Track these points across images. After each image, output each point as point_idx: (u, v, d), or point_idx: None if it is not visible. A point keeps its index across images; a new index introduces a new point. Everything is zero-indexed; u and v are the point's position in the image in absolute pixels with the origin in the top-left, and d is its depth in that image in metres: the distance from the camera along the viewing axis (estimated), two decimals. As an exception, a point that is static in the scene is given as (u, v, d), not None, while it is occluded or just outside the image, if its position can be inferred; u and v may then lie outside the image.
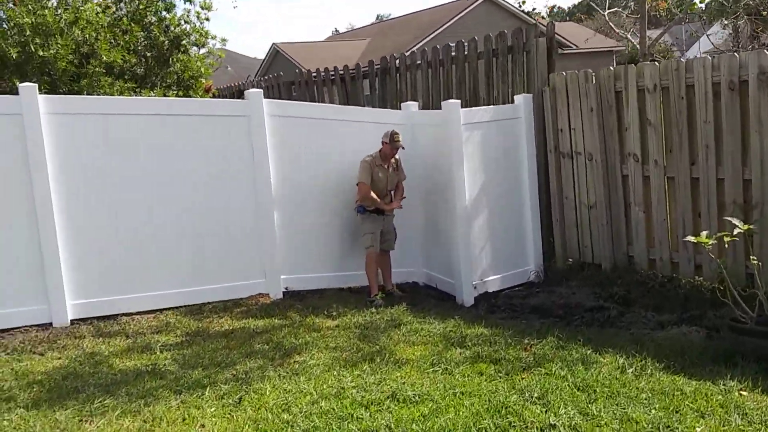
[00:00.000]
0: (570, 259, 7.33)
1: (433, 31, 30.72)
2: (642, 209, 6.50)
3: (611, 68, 6.56)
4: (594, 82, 6.70)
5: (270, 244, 6.63)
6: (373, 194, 6.64)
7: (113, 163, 5.97)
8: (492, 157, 7.00)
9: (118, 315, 5.95)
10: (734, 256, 5.78)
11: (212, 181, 6.39)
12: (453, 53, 8.61)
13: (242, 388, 4.04)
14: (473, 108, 7.44)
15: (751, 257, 4.66)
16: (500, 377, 4.04)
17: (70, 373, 4.50)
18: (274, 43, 37.92)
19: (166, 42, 7.18)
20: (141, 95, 6.67)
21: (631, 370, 4.16)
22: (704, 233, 4.65)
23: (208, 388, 4.07)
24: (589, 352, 4.60)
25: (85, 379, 4.37)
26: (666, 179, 6.31)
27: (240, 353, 4.85)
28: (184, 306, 6.23)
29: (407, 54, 9.37)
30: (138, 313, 6.04)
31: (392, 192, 6.92)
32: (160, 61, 7.29)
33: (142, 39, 6.98)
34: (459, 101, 6.79)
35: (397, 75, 9.57)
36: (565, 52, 29.48)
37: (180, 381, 4.25)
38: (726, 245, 4.78)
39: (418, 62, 9.16)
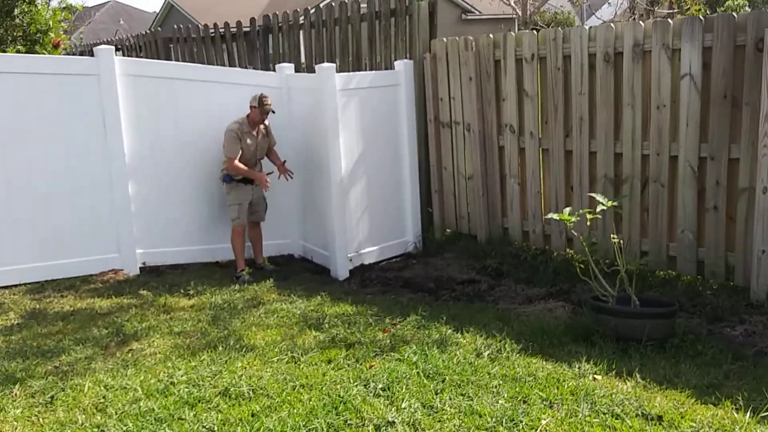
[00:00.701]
0: (448, 230, 7.18)
1: None
2: (517, 181, 6.39)
3: (491, 36, 6.34)
4: (474, 49, 6.46)
5: (124, 216, 6.09)
6: (243, 166, 6.18)
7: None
8: (371, 126, 6.68)
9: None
10: (603, 231, 5.76)
11: (59, 146, 5.76)
12: (336, 15, 8.16)
13: (59, 383, 3.59)
14: (350, 73, 7.08)
15: (612, 235, 4.58)
16: (348, 365, 3.78)
17: None
18: (168, -3, 35.99)
19: None
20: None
21: (487, 352, 4.00)
22: (567, 210, 4.52)
23: (18, 384, 3.59)
24: (449, 332, 4.42)
25: None
26: (541, 151, 6.20)
27: (72, 340, 4.37)
28: (28, 284, 5.63)
29: (290, 12, 8.84)
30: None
31: (261, 161, 6.48)
32: (2, 13, 6.44)
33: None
34: (333, 65, 6.39)
35: (280, 35, 9.04)
36: (470, 18, 29.53)
37: (-9, 378, 3.74)
38: (588, 222, 4.68)
39: (301, 22, 8.67)
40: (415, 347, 4.03)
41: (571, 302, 5.29)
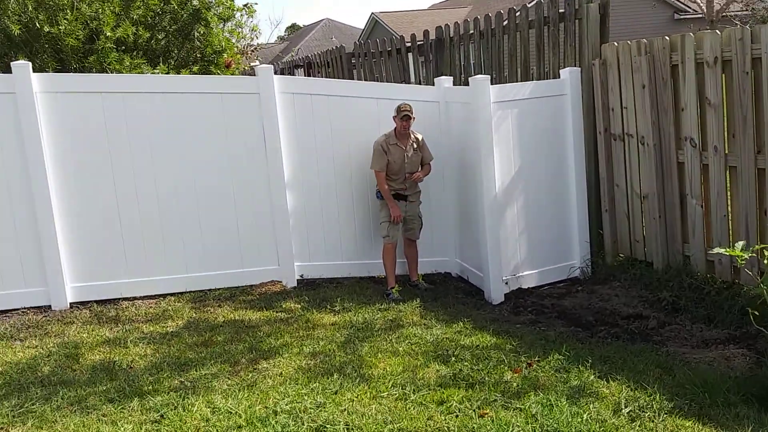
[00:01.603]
0: (621, 255, 6.48)
1: (537, -4, 29.13)
2: (699, 202, 5.57)
3: (666, 38, 5.61)
4: (647, 53, 5.77)
5: (283, 229, 6.25)
6: (385, 186, 6.09)
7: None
8: (531, 139, 6.24)
9: (119, 299, 5.79)
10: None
11: (224, 163, 6.06)
12: (505, 22, 7.79)
13: (175, 400, 3.70)
14: (507, 84, 6.68)
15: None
16: (460, 410, 3.45)
17: (29, 367, 4.33)
18: (372, 13, 37.54)
19: (185, 15, 6.84)
20: (154, 72, 6.41)
21: (628, 409, 3.45)
22: (739, 244, 3.78)
23: (140, 398, 3.75)
24: (592, 378, 3.91)
25: (38, 376, 4.17)
26: (727, 168, 5.35)
27: (211, 352, 4.53)
28: (191, 292, 5.99)
29: (461, 23, 8.62)
30: (143, 298, 5.87)
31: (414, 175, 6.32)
32: (181, 36, 6.99)
33: (159, 12, 6.68)
34: (488, 77, 6.04)
35: (451, 46, 8.86)
36: (684, 17, 27.12)
37: (124, 386, 3.96)
38: (765, 257, 3.89)
39: (471, 32, 8.40)
40: (542, 395, 3.60)
41: (756, 350, 4.49)
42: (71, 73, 6.33)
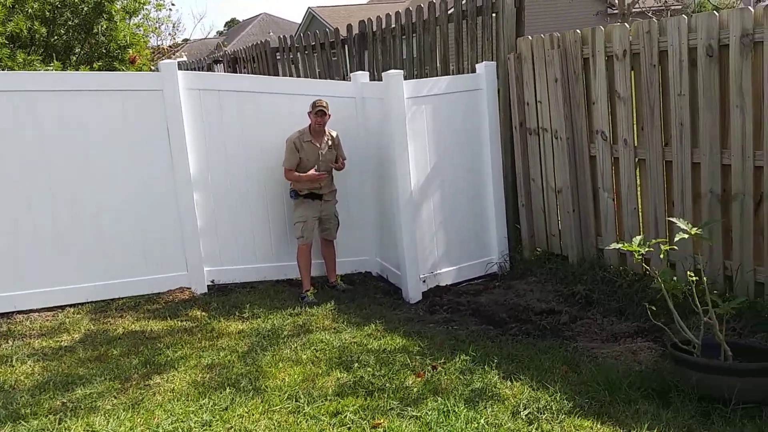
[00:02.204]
0: (538, 249, 6.45)
1: None
2: (611, 195, 5.57)
3: (578, 31, 5.57)
4: (560, 47, 5.72)
5: (191, 233, 5.98)
6: (296, 173, 5.88)
7: None
8: (447, 135, 6.13)
9: (14, 313, 5.42)
10: (710, 257, 4.84)
11: (125, 164, 5.75)
12: (425, 16, 7.67)
13: (52, 425, 3.43)
14: (421, 80, 6.59)
15: (689, 272, 3.73)
16: (353, 422, 3.30)
17: None
18: (309, 7, 37.16)
19: (86, 8, 6.46)
20: (48, 68, 6.03)
21: (527, 411, 3.36)
22: (636, 239, 3.74)
23: (13, 423, 3.47)
24: (496, 379, 3.81)
25: None
26: (637, 162, 5.35)
27: (103, 368, 4.25)
28: (93, 302, 5.67)
29: (383, 17, 8.46)
30: (40, 310, 5.52)
31: (328, 174, 6.13)
32: (83, 31, 6.60)
33: (58, 5, 6.29)
34: (401, 72, 5.90)
35: (374, 41, 8.69)
36: (616, 12, 27.59)
37: None
38: (661, 251, 3.85)
39: (393, 26, 8.26)
40: (442, 400, 3.48)
41: (662, 343, 4.46)
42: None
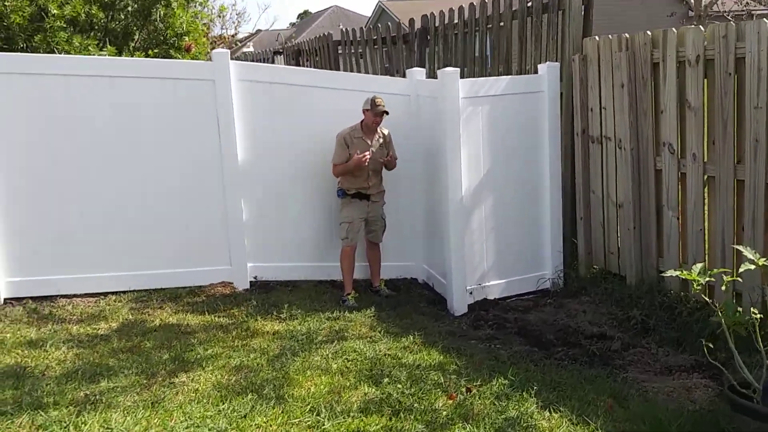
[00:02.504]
0: (595, 267, 6.09)
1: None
2: (676, 214, 5.17)
3: (648, 33, 5.19)
4: (628, 49, 5.35)
5: (236, 227, 5.91)
6: (342, 165, 5.71)
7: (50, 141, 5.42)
8: (503, 139, 5.85)
9: (57, 297, 5.47)
10: (781, 287, 4.43)
11: (174, 155, 5.71)
12: (489, 12, 7.37)
13: (69, 417, 3.37)
14: (479, 79, 6.30)
15: (752, 309, 3.36)
16: (371, 446, 3.10)
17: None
18: (379, 0, 37.04)
19: None
20: (101, 53, 6.05)
21: (559, 449, 3.08)
22: (697, 267, 3.40)
23: (33, 412, 3.43)
24: (533, 408, 3.55)
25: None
26: (706, 179, 4.94)
27: (133, 361, 4.20)
28: (136, 291, 5.66)
29: (446, 12, 8.19)
30: (83, 296, 5.55)
31: (378, 173, 5.94)
32: (141, 17, 6.60)
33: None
34: (457, 70, 5.64)
35: (434, 37, 8.45)
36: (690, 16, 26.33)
37: (25, 396, 3.64)
38: (723, 282, 3.50)
39: (456, 21, 7.99)
40: (470, 427, 3.24)
41: (720, 382, 4.09)
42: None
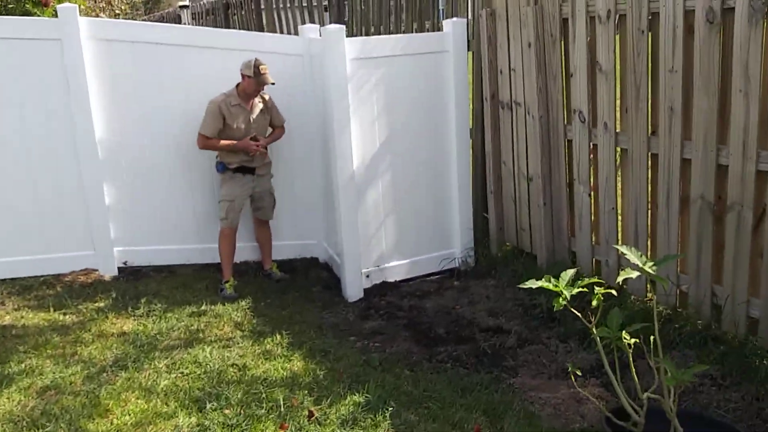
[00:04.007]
0: (507, 244, 5.50)
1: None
2: (588, 190, 4.57)
3: (557, -17, 4.50)
4: (536, 3, 4.66)
5: (98, 207, 5.18)
6: (217, 141, 5.00)
7: None
8: (403, 105, 5.15)
9: None
10: (696, 279, 3.87)
11: (16, 126, 4.94)
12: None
13: None
14: (372, 37, 5.57)
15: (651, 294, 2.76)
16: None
17: None
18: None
19: None
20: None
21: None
22: (566, 275, 2.79)
23: None
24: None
25: None
26: (619, 151, 4.33)
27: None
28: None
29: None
30: None
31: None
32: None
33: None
34: (342, 27, 4.89)
35: (352, -11, 7.66)
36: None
37: None
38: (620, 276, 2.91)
39: (371, -28, 7.20)
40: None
41: (613, 392, 3.52)
42: None
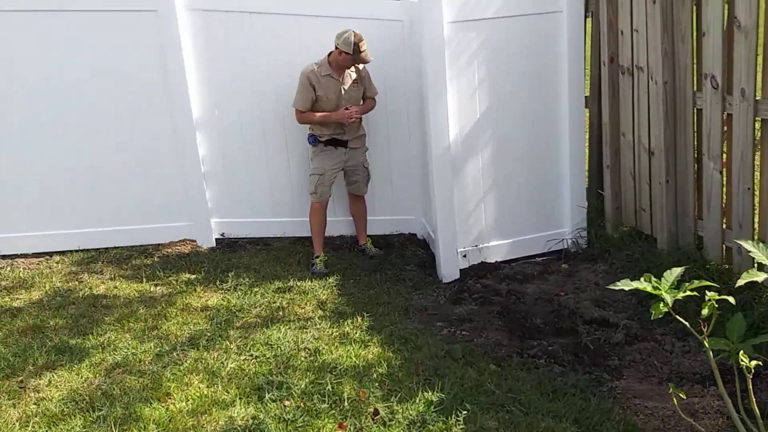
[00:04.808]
0: (625, 226, 4.94)
1: None
2: (719, 167, 3.94)
3: (689, -76, 3.84)
4: (663, -51, 4.03)
5: (195, 178, 5.17)
6: (313, 114, 4.80)
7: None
8: (508, 71, 4.69)
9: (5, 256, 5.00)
10: None
11: (116, 98, 4.99)
12: None
13: None
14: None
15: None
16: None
17: None
18: None
19: None
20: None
21: None
22: (671, 274, 2.30)
23: None
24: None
25: None
26: (761, 123, 3.67)
27: (17, 349, 3.60)
28: (85, 250, 5.11)
29: None
30: (28, 255, 5.03)
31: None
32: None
33: None
34: (443, -16, 4.47)
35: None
36: None
37: None
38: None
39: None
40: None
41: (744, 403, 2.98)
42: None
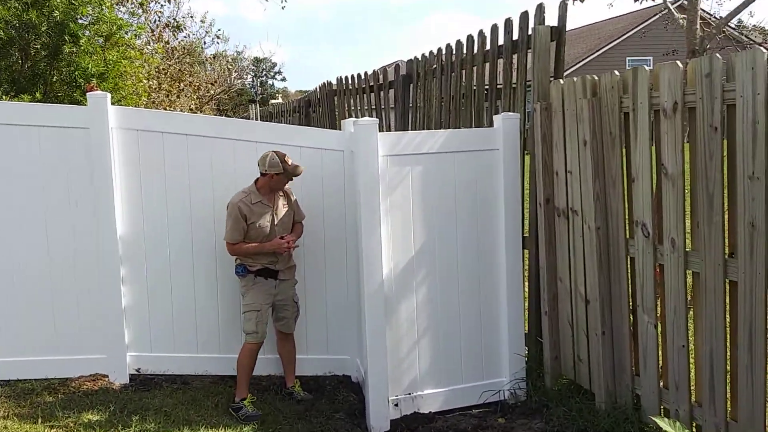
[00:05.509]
0: (564, 377, 4.64)
1: (611, 42, 27.37)
2: (653, 320, 3.73)
3: (616, 73, 3.85)
4: (593, 95, 4.02)
5: (113, 310, 4.84)
6: (247, 245, 4.57)
7: None
8: (444, 207, 4.57)
9: None
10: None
11: (38, 219, 4.77)
12: (464, 54, 6.15)
13: None
14: (408, 132, 5.07)
15: None
16: None
17: None
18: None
19: (45, 27, 5.43)
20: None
21: None
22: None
23: None
24: None
25: None
26: (691, 274, 3.50)
27: None
28: (7, 381, 4.70)
29: (428, 56, 7.03)
30: None
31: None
32: (49, 57, 5.70)
33: (16, 24, 5.39)
34: (375, 120, 4.41)
35: (417, 84, 7.30)
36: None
37: None
38: None
39: (434, 66, 6.81)
40: None
41: None
42: None
